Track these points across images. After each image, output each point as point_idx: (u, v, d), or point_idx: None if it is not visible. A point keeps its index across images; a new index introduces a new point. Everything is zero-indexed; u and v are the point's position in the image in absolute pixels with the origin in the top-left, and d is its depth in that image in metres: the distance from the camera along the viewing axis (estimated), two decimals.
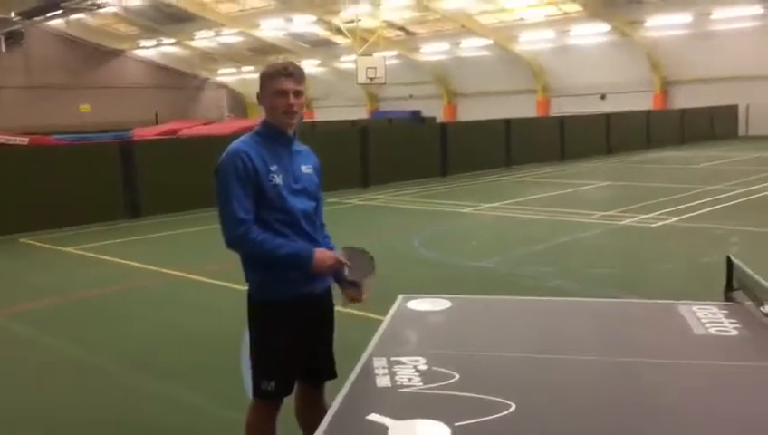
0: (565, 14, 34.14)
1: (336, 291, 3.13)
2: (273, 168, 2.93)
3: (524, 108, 34.64)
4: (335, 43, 41.89)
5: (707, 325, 3.01)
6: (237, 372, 4.83)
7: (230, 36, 42.89)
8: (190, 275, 8.24)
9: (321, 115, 44.92)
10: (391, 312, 3.35)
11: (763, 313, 3.02)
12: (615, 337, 3.05)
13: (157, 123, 32.91)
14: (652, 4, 31.82)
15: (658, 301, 3.54)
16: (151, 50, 47.34)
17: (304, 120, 39.42)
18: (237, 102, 52.72)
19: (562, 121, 23.26)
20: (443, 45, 39.62)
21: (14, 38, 39.36)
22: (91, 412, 4.52)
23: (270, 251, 2.86)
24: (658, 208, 11.87)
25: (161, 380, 5.05)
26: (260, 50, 43.66)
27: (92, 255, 9.82)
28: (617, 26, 33.49)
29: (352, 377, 2.56)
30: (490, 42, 37.55)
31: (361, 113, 41.85)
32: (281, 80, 2.92)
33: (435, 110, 39.06)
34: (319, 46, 43.18)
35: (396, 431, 2.12)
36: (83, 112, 41.73)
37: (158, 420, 4.39)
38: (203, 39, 44.05)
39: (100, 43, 45.23)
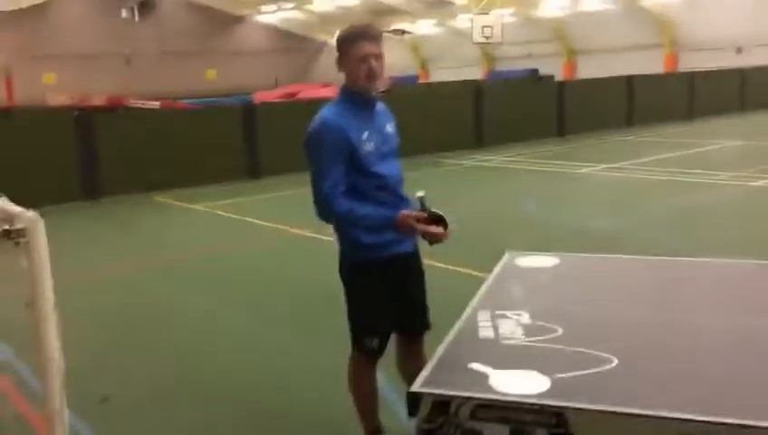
0: None
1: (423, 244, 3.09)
2: (365, 135, 2.92)
3: (651, 64, 32.83)
4: (451, 2, 41.27)
5: None
6: None
7: None
8: (309, 233, 8.56)
9: (436, 76, 44.59)
10: (498, 267, 3.38)
11: None
12: (735, 297, 2.94)
13: (276, 87, 33.86)
14: None
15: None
16: (272, 15, 48.50)
17: (420, 80, 39.32)
18: None
19: (692, 77, 21.92)
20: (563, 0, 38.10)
21: (147, 7, 41.46)
22: (223, 367, 4.86)
23: (357, 217, 2.90)
24: None
25: (284, 331, 5.34)
26: (377, 11, 43.71)
27: (221, 212, 10.40)
28: None
29: (456, 327, 2.63)
30: None
31: (477, 74, 41.16)
32: (361, 44, 2.86)
33: (554, 68, 37.77)
34: (435, 6, 42.68)
35: (496, 379, 2.18)
36: (210, 78, 43.53)
37: (284, 376, 4.66)
38: (322, 2, 44.61)
39: (225, 10, 46.83)
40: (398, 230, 2.88)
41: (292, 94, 22.02)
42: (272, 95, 22.43)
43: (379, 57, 2.90)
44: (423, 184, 3.00)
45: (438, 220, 2.83)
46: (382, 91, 3.07)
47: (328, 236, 7.97)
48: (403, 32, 44.95)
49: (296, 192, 11.87)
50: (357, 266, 3.06)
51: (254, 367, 4.65)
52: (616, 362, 2.25)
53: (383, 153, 2.99)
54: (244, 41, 48.32)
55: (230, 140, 13.38)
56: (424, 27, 44.79)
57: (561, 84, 20.57)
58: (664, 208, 9.06)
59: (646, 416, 1.93)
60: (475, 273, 5.59)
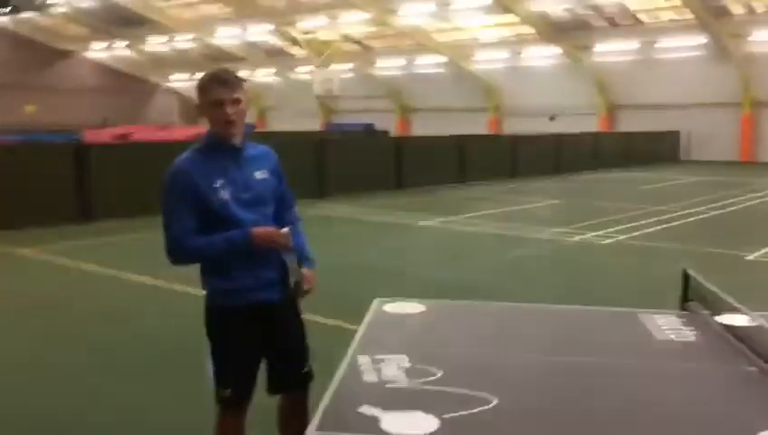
0: (518, 35, 34.95)
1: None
2: (219, 182, 2.88)
3: (476, 126, 35.21)
4: (291, 54, 41.90)
5: (667, 332, 3.21)
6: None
7: (184, 42, 42.49)
8: (145, 279, 8.18)
9: (275, 126, 44.73)
10: (369, 314, 3.45)
11: (718, 322, 3.23)
12: (583, 340, 3.22)
13: (105, 126, 32.29)
14: (601, 30, 32.85)
15: (621, 308, 3.73)
16: (102, 52, 46.51)
17: (257, 129, 39.26)
18: (188, 109, 52.10)
19: (515, 139, 23.81)
20: (399, 61, 40.01)
21: None
22: (52, 413, 4.49)
23: (209, 249, 2.87)
24: (608, 226, 12.27)
25: (125, 383, 5.04)
26: (214, 57, 43.32)
27: (48, 257, 9.65)
28: (567, 50, 34.43)
29: (339, 373, 2.66)
30: (445, 59, 38.10)
31: (315, 125, 41.87)
32: (215, 89, 2.85)
33: (388, 124, 39.32)
34: (275, 56, 43.12)
35: (387, 422, 2.23)
36: (29, 113, 40.61)
37: (118, 418, 4.39)
38: (156, 43, 43.49)
39: (49, 44, 44.22)
40: (255, 244, 2.87)
41: (125, 135, 21.12)
42: (103, 135, 21.36)
43: (236, 102, 2.86)
44: None
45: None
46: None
47: (170, 284, 7.72)
48: (242, 80, 44.74)
49: (134, 237, 11.37)
50: (213, 313, 3.00)
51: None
52: (496, 401, 2.39)
53: (245, 201, 2.92)
54: (70, 77, 45.83)
55: (59, 180, 12.54)
56: (263, 76, 44.97)
57: (398, 139, 21.49)
58: (497, 259, 9.69)
59: None
60: (345, 325, 5.63)
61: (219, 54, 42.75)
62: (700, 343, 3.08)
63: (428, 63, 39.29)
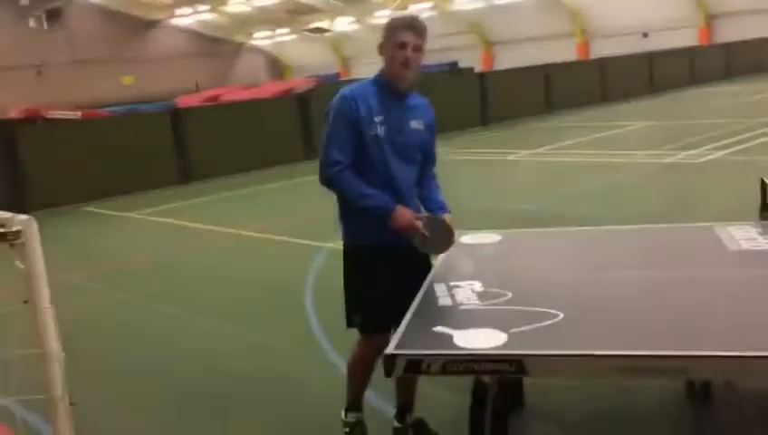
0: None
1: None
2: (378, 118, 3.02)
3: (564, 52, 34.07)
4: None
5: (741, 242, 3.23)
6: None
7: None
8: (246, 231, 8.67)
9: (357, 74, 44.86)
10: None
11: None
12: (655, 255, 3.30)
13: (197, 91, 33.39)
14: None
15: (697, 224, 3.75)
16: (187, 18, 47.70)
17: (341, 78, 39.45)
18: (274, 66, 52.95)
19: (603, 63, 22.97)
20: None
21: (54, 15, 40.12)
22: (175, 362, 4.97)
23: (355, 198, 3.03)
24: (704, 144, 11.83)
25: (231, 325, 5.48)
26: (295, 11, 43.63)
27: (153, 218, 10.36)
28: None
29: (416, 300, 2.87)
30: None
31: None
32: (403, 32, 3.01)
33: (472, 60, 38.66)
34: (353, 3, 42.95)
35: (459, 338, 2.43)
36: (126, 85, 42.47)
37: (237, 362, 4.82)
38: (237, 3, 44.16)
39: (138, 15, 45.77)
40: (392, 223, 2.99)
41: (215, 98, 21.84)
42: (194, 99, 22.18)
43: (417, 49, 3.03)
44: None
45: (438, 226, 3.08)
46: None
47: (274, 235, 8.16)
48: (323, 30, 44.98)
49: (230, 194, 11.98)
50: (351, 250, 3.19)
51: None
52: (561, 315, 2.55)
53: (396, 144, 3.06)
54: (160, 45, 47.34)
55: (159, 147, 13.28)
56: (342, 25, 44.97)
57: (482, 75, 21.19)
58: (586, 187, 9.60)
59: (592, 355, 2.23)
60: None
61: (299, 8, 42.99)
62: None
63: None
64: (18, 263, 2.14)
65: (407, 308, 2.76)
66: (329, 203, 3.34)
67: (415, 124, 3.14)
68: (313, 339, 4.87)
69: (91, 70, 41.77)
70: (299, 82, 22.75)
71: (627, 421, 3.44)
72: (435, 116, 3.26)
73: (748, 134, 12.50)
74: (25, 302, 2.16)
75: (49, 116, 16.49)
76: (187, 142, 13.61)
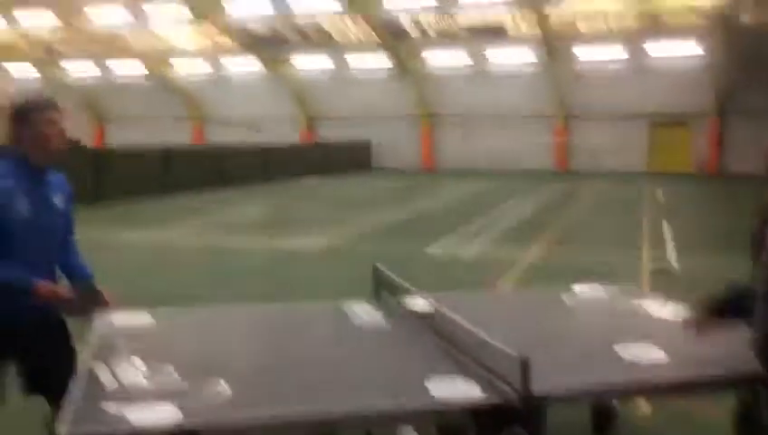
0: (217, 44, 35.28)
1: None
2: (22, 201, 2.95)
3: (180, 134, 34.78)
4: None
5: (363, 316, 3.88)
6: None
7: None
8: None
9: None
10: (97, 325, 3.59)
11: (403, 306, 3.98)
12: (284, 334, 3.75)
13: None
14: (297, 45, 34.63)
15: (321, 302, 4.37)
16: None
17: None
18: None
19: (221, 150, 24.22)
20: (94, 68, 37.73)
21: None
22: None
23: None
24: (306, 231, 13.17)
25: None
26: None
27: None
28: (266, 62, 35.58)
29: (78, 378, 2.82)
30: (143, 66, 36.89)
31: None
32: (50, 111, 3.03)
33: (82, 133, 36.91)
34: None
35: (131, 414, 2.48)
36: None
37: None
38: None
39: None
40: (36, 292, 2.93)
41: None
42: None
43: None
44: None
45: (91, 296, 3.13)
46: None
47: None
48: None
49: None
50: None
51: None
52: (224, 383, 2.79)
53: (39, 225, 3.00)
54: None
55: None
56: None
57: (96, 151, 20.46)
58: (196, 268, 9.95)
59: (254, 419, 2.52)
60: None
61: None
62: (388, 324, 3.80)
63: (127, 75, 37.72)
64: None
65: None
66: None
67: (57, 200, 3.14)
68: None
69: None
70: None
71: None
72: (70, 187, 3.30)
73: (341, 227, 14.31)
74: None
75: None
76: None
